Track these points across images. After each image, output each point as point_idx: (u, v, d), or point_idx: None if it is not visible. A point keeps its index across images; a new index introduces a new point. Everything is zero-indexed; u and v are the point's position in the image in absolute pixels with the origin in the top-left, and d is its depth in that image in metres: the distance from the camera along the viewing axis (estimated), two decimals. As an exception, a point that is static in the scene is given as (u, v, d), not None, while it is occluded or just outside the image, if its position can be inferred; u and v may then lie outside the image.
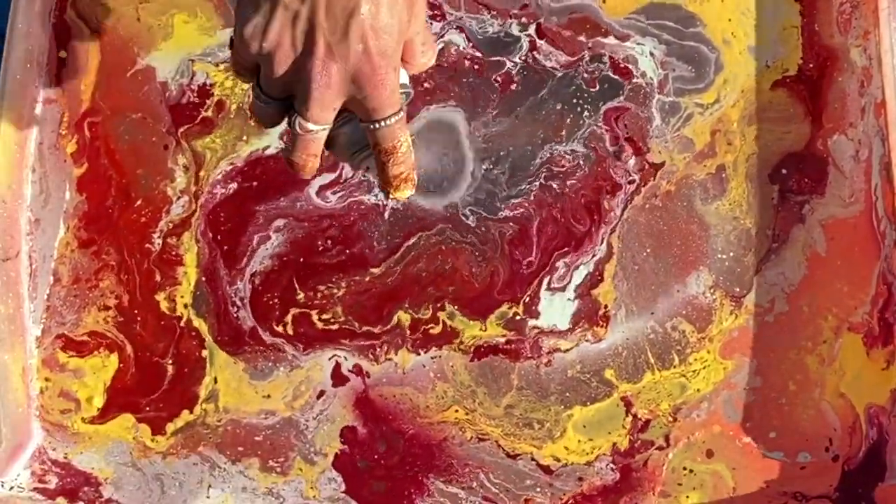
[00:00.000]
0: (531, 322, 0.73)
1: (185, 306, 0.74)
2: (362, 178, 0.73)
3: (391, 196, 0.60)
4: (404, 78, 0.61)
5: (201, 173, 0.74)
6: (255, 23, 0.55)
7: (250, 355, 0.74)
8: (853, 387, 0.72)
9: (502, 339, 0.73)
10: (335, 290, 0.73)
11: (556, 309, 0.73)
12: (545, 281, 0.73)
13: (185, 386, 0.74)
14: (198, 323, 0.74)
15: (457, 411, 0.74)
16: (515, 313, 0.73)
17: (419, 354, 0.74)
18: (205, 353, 0.74)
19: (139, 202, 0.74)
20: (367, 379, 0.74)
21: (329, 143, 0.60)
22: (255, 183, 0.74)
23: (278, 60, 0.55)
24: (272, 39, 0.55)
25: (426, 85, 0.74)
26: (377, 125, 0.57)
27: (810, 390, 0.72)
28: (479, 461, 0.73)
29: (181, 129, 0.74)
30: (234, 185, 0.74)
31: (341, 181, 0.74)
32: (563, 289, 0.73)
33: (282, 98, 0.57)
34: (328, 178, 0.74)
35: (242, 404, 0.74)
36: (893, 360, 0.71)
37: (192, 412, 0.74)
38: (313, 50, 0.54)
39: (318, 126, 0.56)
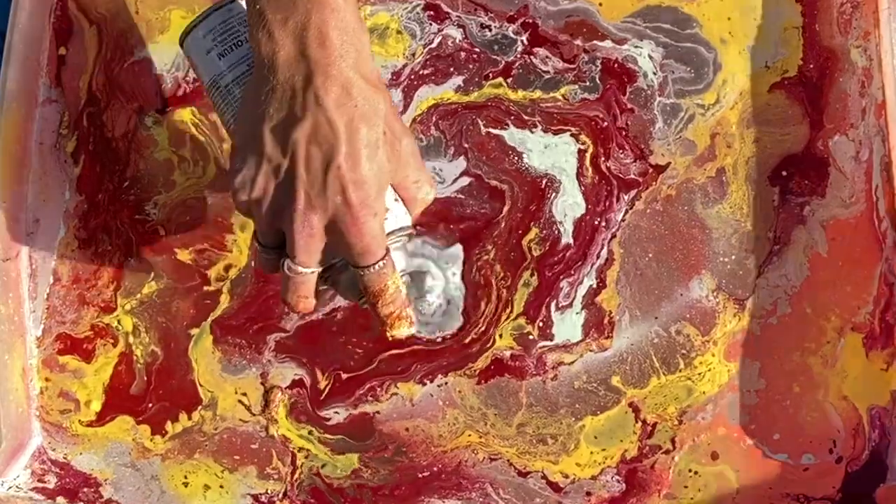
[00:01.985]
0: (544, 343, 0.73)
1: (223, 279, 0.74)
2: None
3: (388, 335, 0.62)
4: (405, 220, 0.63)
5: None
6: (243, 175, 0.58)
7: (230, 347, 0.74)
8: (855, 389, 0.72)
9: (507, 354, 0.73)
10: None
11: (566, 326, 0.73)
12: (552, 304, 0.73)
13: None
14: (223, 298, 0.74)
15: (469, 436, 0.73)
16: (529, 332, 0.73)
17: (425, 385, 0.73)
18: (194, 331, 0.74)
19: (133, 185, 0.75)
20: (378, 415, 0.73)
21: (333, 285, 0.62)
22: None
23: (265, 211, 0.58)
24: (258, 191, 0.58)
25: (424, 71, 0.75)
26: (362, 271, 0.59)
27: (814, 392, 0.72)
28: (491, 479, 0.73)
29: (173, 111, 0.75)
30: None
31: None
32: (570, 305, 0.73)
33: (278, 245, 0.60)
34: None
35: (237, 411, 0.74)
36: (893, 362, 0.71)
37: (190, 417, 0.73)
38: (294, 201, 0.57)
39: (306, 269, 0.59)
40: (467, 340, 0.73)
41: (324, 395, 0.73)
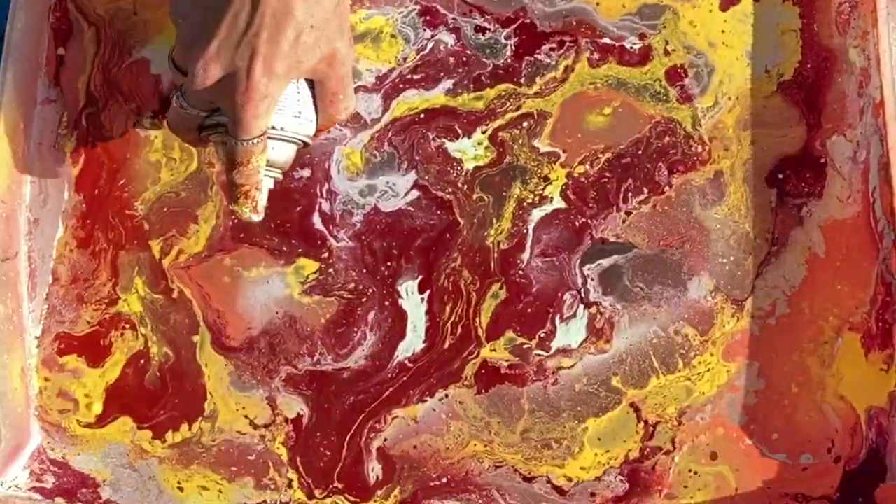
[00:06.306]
0: (542, 353, 0.73)
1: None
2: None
3: (231, 206, 0.65)
4: (309, 128, 0.65)
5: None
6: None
7: (241, 364, 0.74)
8: (853, 389, 0.72)
9: (505, 364, 0.73)
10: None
11: (571, 331, 0.73)
12: (556, 317, 0.74)
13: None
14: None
15: (475, 445, 0.73)
16: (524, 343, 0.73)
17: (426, 401, 0.73)
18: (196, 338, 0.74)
19: (128, 183, 0.75)
20: (386, 442, 0.73)
21: (209, 133, 0.65)
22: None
23: (182, 35, 0.62)
24: (183, 12, 0.62)
25: (415, 76, 0.75)
26: (233, 140, 0.62)
27: (812, 392, 0.72)
28: (497, 486, 0.73)
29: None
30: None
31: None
32: (574, 315, 0.74)
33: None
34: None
35: (236, 423, 0.74)
36: (892, 363, 0.72)
37: (191, 428, 0.73)
38: (205, 47, 0.60)
39: (191, 110, 0.64)
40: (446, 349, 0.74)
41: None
